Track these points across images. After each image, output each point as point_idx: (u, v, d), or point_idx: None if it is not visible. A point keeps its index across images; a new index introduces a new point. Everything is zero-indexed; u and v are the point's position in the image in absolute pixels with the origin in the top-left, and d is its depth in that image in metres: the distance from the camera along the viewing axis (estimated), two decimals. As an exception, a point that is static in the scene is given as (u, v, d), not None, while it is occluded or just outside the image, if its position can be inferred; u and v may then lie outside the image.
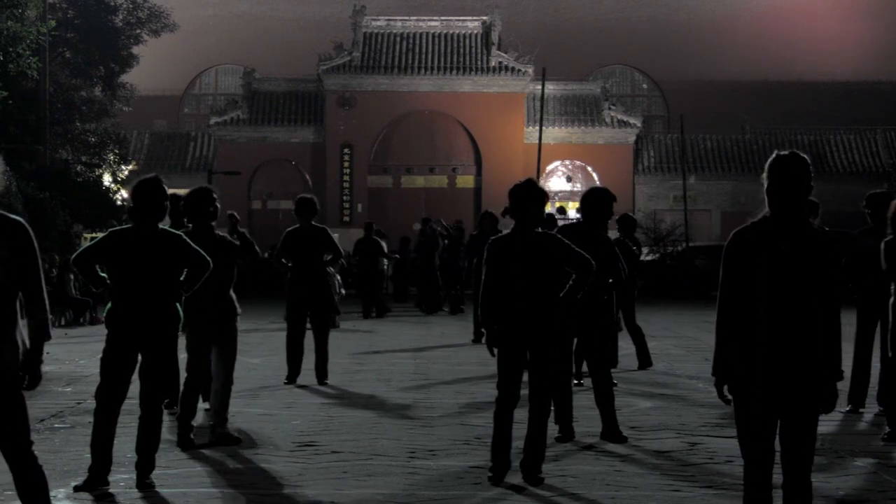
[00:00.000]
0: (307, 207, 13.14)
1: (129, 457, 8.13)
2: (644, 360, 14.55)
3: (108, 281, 7.89)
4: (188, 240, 8.02)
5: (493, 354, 8.07)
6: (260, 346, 17.98)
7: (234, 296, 9.55)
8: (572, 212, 41.68)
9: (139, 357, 7.83)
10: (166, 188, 7.95)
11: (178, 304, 7.89)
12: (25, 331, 5.62)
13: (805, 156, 5.50)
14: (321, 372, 13.21)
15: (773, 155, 5.52)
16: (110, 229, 8.17)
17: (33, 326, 5.58)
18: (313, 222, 13.25)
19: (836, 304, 5.46)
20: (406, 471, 8.33)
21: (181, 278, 7.97)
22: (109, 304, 7.86)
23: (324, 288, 13.34)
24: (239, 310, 9.53)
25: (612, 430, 9.56)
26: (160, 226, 7.91)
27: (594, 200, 9.69)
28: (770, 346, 5.37)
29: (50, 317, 5.61)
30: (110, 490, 7.62)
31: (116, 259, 7.77)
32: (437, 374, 14.26)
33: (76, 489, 7.57)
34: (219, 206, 9.59)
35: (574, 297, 8.19)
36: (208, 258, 8.10)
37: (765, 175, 5.48)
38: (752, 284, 5.41)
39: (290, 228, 13.40)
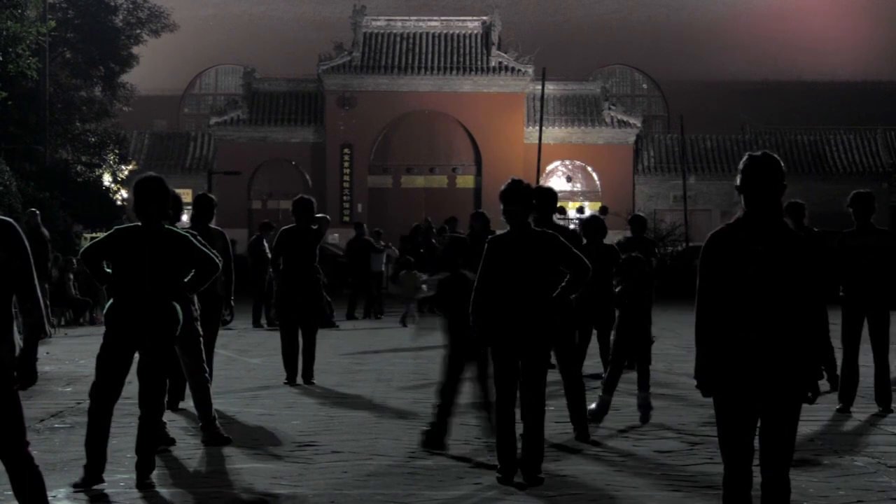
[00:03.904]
0: (307, 208, 13.13)
1: (129, 457, 8.12)
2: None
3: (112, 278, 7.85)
4: (194, 240, 7.99)
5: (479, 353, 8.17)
6: (260, 346, 17.98)
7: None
8: (572, 211, 41.70)
9: (136, 356, 7.80)
10: (169, 187, 7.93)
11: (178, 305, 7.85)
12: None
13: (776, 156, 5.53)
14: (308, 372, 13.22)
15: (746, 156, 5.55)
16: (116, 227, 8.13)
17: (28, 325, 5.58)
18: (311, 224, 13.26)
19: (819, 301, 5.46)
20: (406, 471, 8.34)
21: (186, 279, 7.94)
22: (110, 301, 7.83)
23: (315, 289, 13.33)
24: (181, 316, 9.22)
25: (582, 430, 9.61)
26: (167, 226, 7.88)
27: (542, 197, 9.66)
28: (749, 346, 5.39)
29: (52, 319, 5.61)
30: (111, 490, 7.62)
31: (119, 256, 7.74)
32: (437, 374, 14.21)
33: (73, 487, 7.54)
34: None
35: (567, 298, 8.20)
36: (215, 259, 8.06)
37: (738, 177, 5.51)
38: (729, 285, 5.42)
39: (284, 227, 13.38)
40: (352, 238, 26.48)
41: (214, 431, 9.31)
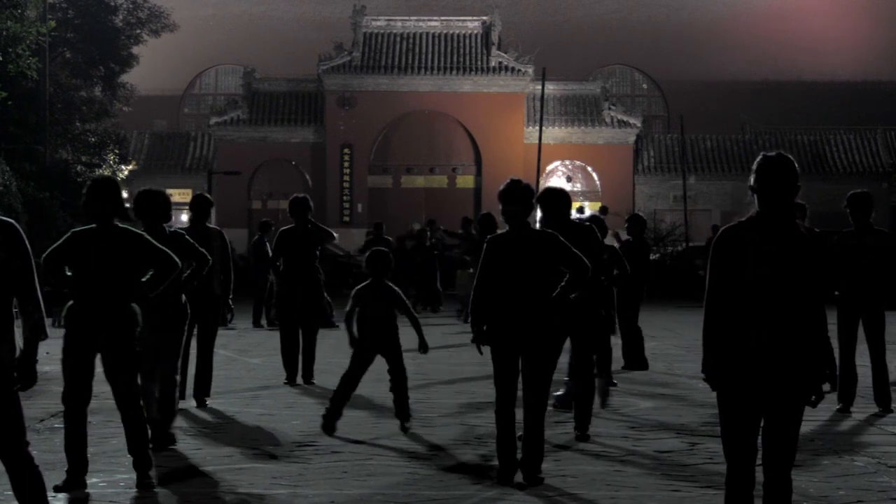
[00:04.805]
0: (303, 207, 13.15)
1: (128, 457, 8.11)
2: (639, 363, 14.60)
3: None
4: (151, 239, 7.87)
5: (480, 353, 8.18)
6: (260, 346, 17.98)
7: (183, 299, 9.32)
8: (572, 212, 41.72)
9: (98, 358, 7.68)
10: (121, 188, 7.86)
11: (135, 305, 7.70)
12: (19, 331, 5.61)
13: (790, 156, 5.54)
14: (308, 372, 13.24)
15: (760, 156, 5.55)
16: (73, 229, 8.04)
17: (29, 326, 5.57)
18: (309, 223, 13.27)
19: (822, 302, 5.50)
20: (406, 471, 8.34)
21: (143, 279, 7.82)
22: (69, 304, 7.75)
23: (316, 289, 13.33)
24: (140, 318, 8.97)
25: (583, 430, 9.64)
26: (121, 225, 7.79)
27: (561, 199, 9.65)
28: (762, 346, 5.40)
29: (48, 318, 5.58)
30: (111, 490, 7.61)
31: (76, 258, 7.64)
32: (437, 374, 14.25)
33: (54, 489, 7.45)
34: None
35: (566, 298, 8.20)
36: (175, 258, 7.96)
37: (752, 176, 5.52)
38: (739, 281, 5.44)
39: (283, 228, 13.40)
40: (371, 238, 26.59)
41: (166, 432, 9.13)
